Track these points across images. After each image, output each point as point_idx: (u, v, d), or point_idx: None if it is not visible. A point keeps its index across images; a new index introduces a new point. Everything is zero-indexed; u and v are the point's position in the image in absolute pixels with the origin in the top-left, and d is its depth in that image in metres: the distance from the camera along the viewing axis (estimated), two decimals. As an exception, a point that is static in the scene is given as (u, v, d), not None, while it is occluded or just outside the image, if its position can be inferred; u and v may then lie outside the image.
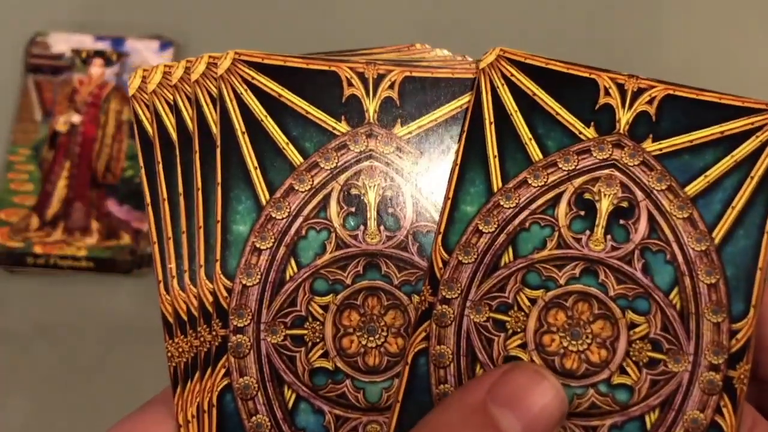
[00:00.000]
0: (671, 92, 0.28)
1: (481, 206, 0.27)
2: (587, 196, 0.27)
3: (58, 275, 0.56)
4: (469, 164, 0.27)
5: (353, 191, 0.28)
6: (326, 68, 0.28)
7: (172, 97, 0.28)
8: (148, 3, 0.63)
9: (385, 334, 0.27)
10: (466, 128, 0.28)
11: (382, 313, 0.27)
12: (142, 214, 0.57)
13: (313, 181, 0.28)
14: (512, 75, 0.28)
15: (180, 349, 0.27)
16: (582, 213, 0.27)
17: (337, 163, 0.28)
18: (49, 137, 0.59)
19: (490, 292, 0.27)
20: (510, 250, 0.27)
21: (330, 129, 0.28)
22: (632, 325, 0.27)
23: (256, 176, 0.27)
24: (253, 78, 0.28)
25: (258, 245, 0.27)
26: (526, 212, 0.27)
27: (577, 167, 0.28)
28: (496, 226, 0.27)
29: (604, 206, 0.27)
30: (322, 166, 0.28)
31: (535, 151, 0.28)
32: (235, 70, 0.28)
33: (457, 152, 0.28)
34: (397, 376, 0.27)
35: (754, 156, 0.27)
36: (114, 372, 0.53)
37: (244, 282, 0.27)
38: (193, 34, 0.61)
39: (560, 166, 0.28)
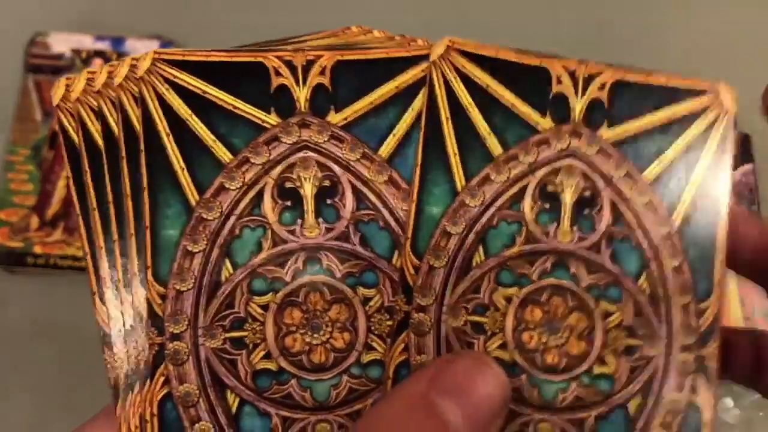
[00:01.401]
0: (620, 77, 0.27)
1: (447, 207, 0.26)
2: (550, 188, 0.27)
3: (58, 275, 0.57)
4: (430, 163, 0.27)
5: (288, 185, 0.27)
6: (251, 59, 0.27)
7: (96, 104, 0.27)
8: (148, 3, 0.63)
9: (330, 329, 0.26)
10: (422, 125, 0.27)
11: (326, 309, 0.26)
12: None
13: (244, 177, 0.27)
14: (464, 66, 0.27)
15: (119, 360, 0.26)
16: (547, 206, 0.27)
17: (268, 157, 0.27)
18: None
19: (465, 294, 0.26)
20: (481, 249, 0.27)
21: (259, 122, 0.27)
22: (606, 314, 0.26)
23: (184, 177, 0.26)
24: (174, 77, 0.27)
25: (190, 248, 0.26)
26: (492, 209, 0.27)
27: (538, 159, 0.27)
28: (464, 226, 0.26)
29: (568, 197, 0.27)
30: (252, 161, 0.27)
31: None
32: (155, 70, 0.27)
33: (416, 152, 0.27)
34: (345, 372, 0.26)
35: (703, 137, 0.27)
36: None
37: (177, 287, 0.26)
38: (193, 34, 0.61)
39: (521, 159, 0.27)
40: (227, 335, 0.26)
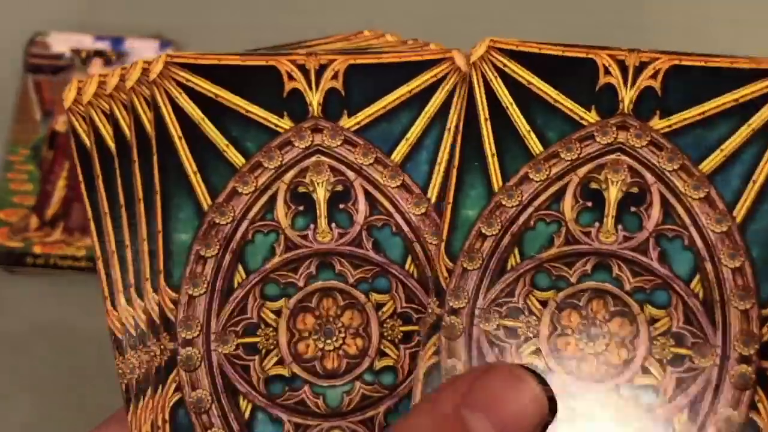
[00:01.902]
0: (677, 62, 0.26)
1: (482, 209, 0.26)
2: (593, 185, 0.26)
3: (57, 275, 0.56)
4: (467, 166, 0.26)
5: (301, 189, 0.27)
6: (264, 63, 0.27)
7: (108, 107, 0.27)
8: (148, 3, 0.62)
9: (342, 335, 0.26)
10: (460, 128, 0.26)
11: (339, 314, 0.26)
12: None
13: (257, 182, 0.26)
14: (505, 66, 0.26)
15: (131, 366, 0.26)
16: (589, 204, 0.26)
17: (281, 161, 0.27)
18: (49, 137, 0.59)
19: (499, 297, 0.25)
20: (516, 251, 0.25)
21: (272, 126, 0.27)
22: (652, 320, 0.25)
23: (196, 181, 0.26)
24: (187, 80, 0.27)
25: (202, 253, 0.26)
26: (530, 209, 0.26)
27: (581, 155, 0.26)
28: (499, 227, 0.26)
29: (613, 194, 0.25)
30: (265, 165, 0.27)
31: (534, 144, 0.26)
32: (167, 74, 0.27)
33: (452, 154, 0.26)
34: (358, 378, 0.26)
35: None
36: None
37: (190, 292, 0.26)
38: (193, 34, 0.61)
39: (562, 156, 0.26)
40: (240, 341, 0.26)
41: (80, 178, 0.27)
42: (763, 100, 0.25)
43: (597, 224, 0.25)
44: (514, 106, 0.26)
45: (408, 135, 0.27)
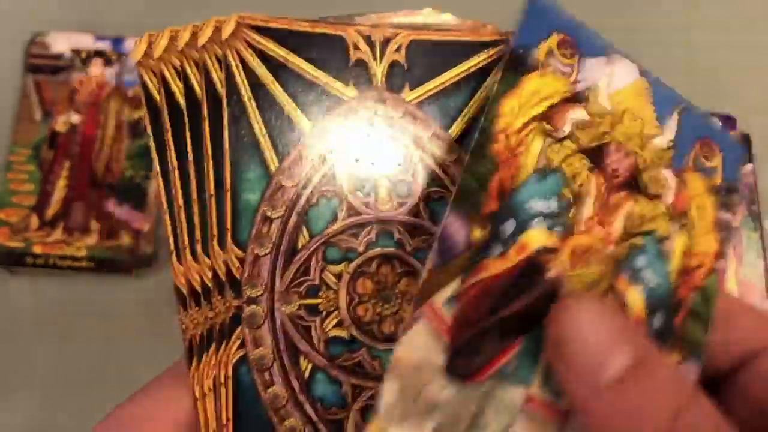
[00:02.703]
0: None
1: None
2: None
3: (58, 275, 0.56)
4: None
5: (365, 158, 0.27)
6: (332, 32, 0.27)
7: (179, 63, 0.27)
8: (148, 3, 0.63)
9: (399, 301, 0.27)
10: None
11: (396, 281, 0.27)
12: (143, 214, 0.56)
13: (323, 147, 0.27)
14: (259, 43, 0.27)
15: (195, 321, 0.26)
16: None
17: (347, 129, 0.27)
18: (49, 137, 0.58)
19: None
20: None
21: (338, 94, 0.27)
22: None
23: (265, 143, 0.27)
24: (258, 42, 0.27)
25: (269, 214, 0.26)
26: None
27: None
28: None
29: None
30: (332, 131, 0.27)
31: (304, 122, 0.27)
32: (239, 35, 0.27)
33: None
34: None
35: (501, 88, 0.27)
36: (114, 372, 0.53)
37: (256, 252, 0.26)
38: None
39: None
40: (302, 302, 0.26)
41: (149, 132, 0.26)
42: (492, 65, 0.28)
43: (373, 194, 0.27)
44: (275, 83, 0.27)
45: (465, 111, 0.28)
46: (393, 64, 0.28)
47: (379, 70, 0.27)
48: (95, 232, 0.56)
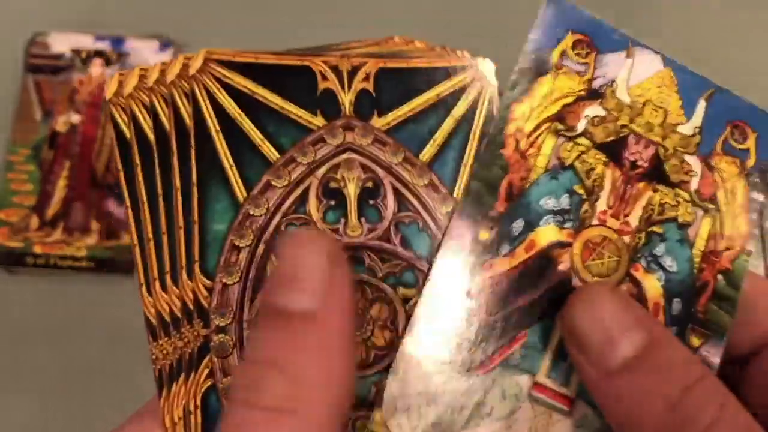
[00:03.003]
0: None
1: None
2: (333, 184, 0.27)
3: (58, 275, 0.56)
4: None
5: (332, 185, 0.28)
6: (299, 63, 0.28)
7: (148, 100, 0.27)
8: (148, 3, 0.63)
9: (371, 327, 0.27)
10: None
11: (368, 307, 0.27)
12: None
13: (290, 176, 0.27)
14: (225, 77, 0.27)
15: (164, 351, 0.27)
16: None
17: (314, 157, 0.28)
18: (49, 137, 0.59)
19: None
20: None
21: (306, 123, 0.28)
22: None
23: (233, 174, 0.27)
24: (225, 76, 0.27)
25: (237, 243, 0.27)
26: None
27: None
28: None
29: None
30: (299, 160, 0.27)
31: (270, 152, 0.27)
32: (207, 70, 0.27)
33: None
34: (386, 369, 0.27)
35: (470, 112, 0.28)
36: (114, 372, 0.54)
37: (224, 281, 0.27)
38: (193, 34, 0.61)
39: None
40: None
41: (119, 167, 0.27)
42: (460, 92, 0.28)
43: (343, 220, 0.27)
44: (243, 116, 0.27)
45: (435, 137, 0.28)
46: (361, 93, 0.28)
47: (347, 98, 0.28)
48: (95, 232, 0.57)
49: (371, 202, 0.28)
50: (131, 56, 0.60)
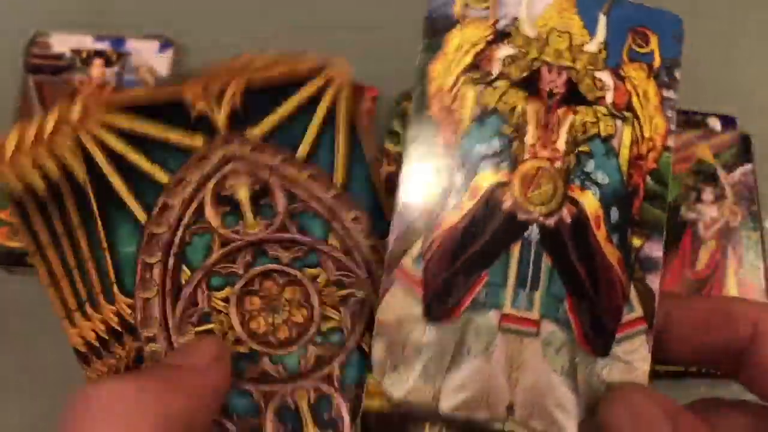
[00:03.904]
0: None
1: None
2: (225, 193, 0.30)
3: (57, 275, 0.57)
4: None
5: (224, 193, 0.30)
6: (172, 95, 0.30)
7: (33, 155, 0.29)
8: (148, 3, 0.63)
9: (288, 308, 0.29)
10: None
11: (281, 291, 0.29)
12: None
13: (184, 193, 0.30)
14: (106, 118, 0.30)
15: (99, 372, 0.28)
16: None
17: (202, 172, 0.30)
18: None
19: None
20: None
21: (189, 146, 0.30)
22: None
23: (131, 202, 0.29)
24: (106, 119, 0.30)
25: (148, 261, 0.29)
26: (181, 230, 0.29)
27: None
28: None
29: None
30: (188, 179, 0.30)
31: (161, 176, 0.30)
32: (88, 116, 0.30)
33: (178, 178, 0.30)
34: (310, 342, 0.29)
35: (331, 110, 0.31)
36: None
37: (143, 296, 0.29)
38: (193, 34, 0.61)
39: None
40: (197, 329, 0.29)
41: (19, 225, 0.30)
42: (321, 91, 0.31)
43: (241, 222, 0.30)
44: (130, 150, 0.29)
45: (306, 136, 0.31)
46: (232, 110, 0.31)
47: (220, 117, 0.30)
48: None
49: (263, 201, 0.30)
50: (131, 56, 0.59)
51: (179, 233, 0.29)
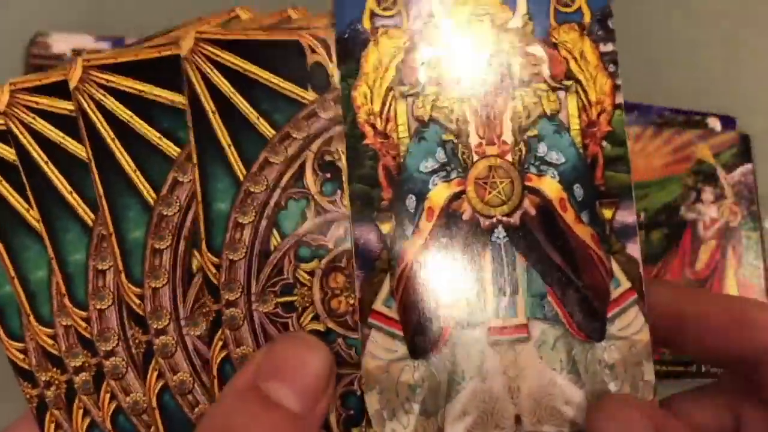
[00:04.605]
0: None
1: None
2: (327, 157, 0.28)
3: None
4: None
5: (327, 158, 0.28)
6: (288, 38, 0.28)
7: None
8: (148, 3, 0.62)
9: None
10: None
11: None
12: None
13: (287, 152, 0.28)
14: (217, 56, 0.28)
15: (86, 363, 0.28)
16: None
17: (308, 131, 0.28)
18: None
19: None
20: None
21: (298, 98, 0.28)
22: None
23: (231, 153, 0.28)
24: (217, 55, 0.28)
25: (240, 220, 0.28)
26: (278, 191, 0.28)
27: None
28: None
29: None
30: (294, 136, 0.28)
31: (266, 129, 0.28)
32: (198, 50, 0.28)
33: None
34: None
35: None
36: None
37: (230, 257, 0.28)
38: None
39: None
40: (278, 300, 0.28)
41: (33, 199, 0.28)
42: None
43: (339, 192, 0.28)
44: (238, 95, 0.28)
45: None
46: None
47: (335, 71, 0.28)
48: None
49: None
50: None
51: (276, 195, 0.28)
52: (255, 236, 0.28)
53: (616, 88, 0.28)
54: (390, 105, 0.28)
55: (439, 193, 0.28)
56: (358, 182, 0.28)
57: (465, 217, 0.28)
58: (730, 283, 0.53)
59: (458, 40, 0.28)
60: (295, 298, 0.28)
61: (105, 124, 0.28)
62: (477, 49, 0.28)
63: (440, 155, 0.28)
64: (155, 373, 0.27)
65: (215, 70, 0.28)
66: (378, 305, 0.27)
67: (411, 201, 0.27)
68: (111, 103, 0.28)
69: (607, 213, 0.28)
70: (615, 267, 0.27)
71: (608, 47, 0.28)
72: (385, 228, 0.27)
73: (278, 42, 0.28)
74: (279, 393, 0.24)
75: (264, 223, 0.28)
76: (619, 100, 0.28)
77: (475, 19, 0.28)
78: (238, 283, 0.28)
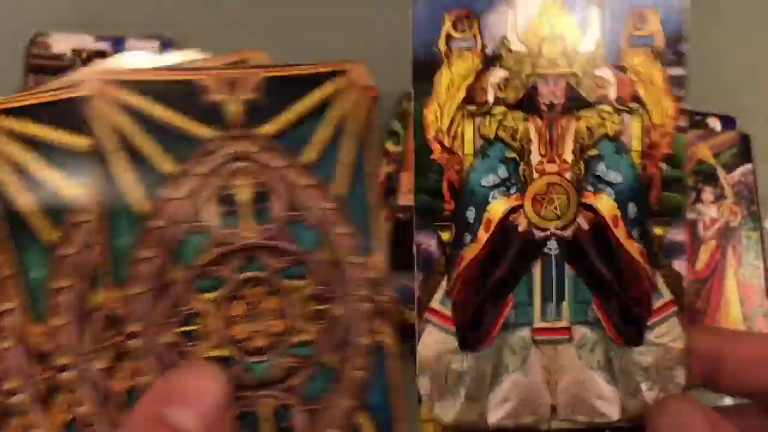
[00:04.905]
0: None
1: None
2: (226, 192, 0.29)
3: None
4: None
5: (227, 192, 0.29)
6: (189, 77, 0.29)
7: None
8: (148, 3, 0.63)
9: (269, 318, 0.30)
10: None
11: (265, 300, 0.30)
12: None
13: (187, 187, 0.29)
14: (120, 95, 0.29)
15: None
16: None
17: (208, 168, 0.29)
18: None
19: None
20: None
21: (198, 136, 0.29)
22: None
23: (133, 190, 0.29)
24: (125, 99, 0.29)
25: (141, 255, 0.29)
26: (179, 225, 0.29)
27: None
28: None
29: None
30: (194, 172, 0.29)
31: (167, 165, 0.29)
32: (101, 91, 0.29)
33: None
34: (282, 353, 0.30)
35: (346, 115, 0.30)
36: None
37: (133, 290, 0.29)
38: (193, 34, 0.61)
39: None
40: (179, 330, 0.29)
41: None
42: (332, 99, 0.30)
43: (238, 224, 0.29)
44: (140, 134, 0.29)
45: (314, 140, 0.30)
46: (248, 102, 0.30)
47: (234, 110, 0.29)
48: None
49: (262, 204, 0.30)
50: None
51: (176, 229, 0.29)
52: (156, 269, 0.29)
53: (679, 111, 0.29)
54: (458, 123, 0.29)
55: (498, 206, 0.29)
56: (423, 193, 0.29)
57: (520, 228, 0.30)
58: (730, 283, 0.52)
59: (528, 61, 0.29)
60: (196, 327, 0.29)
61: (112, 137, 0.29)
62: (546, 69, 0.29)
63: (502, 172, 0.29)
64: (59, 408, 0.29)
65: (124, 114, 0.29)
66: (434, 304, 0.29)
67: (471, 213, 0.29)
68: (123, 120, 0.29)
69: (659, 231, 0.30)
70: (659, 280, 0.29)
71: (677, 71, 0.29)
72: (445, 236, 0.29)
73: (178, 81, 0.29)
74: (180, 418, 0.26)
75: (165, 257, 0.29)
76: (682, 122, 0.29)
77: (547, 42, 0.29)
78: (140, 315, 0.29)
